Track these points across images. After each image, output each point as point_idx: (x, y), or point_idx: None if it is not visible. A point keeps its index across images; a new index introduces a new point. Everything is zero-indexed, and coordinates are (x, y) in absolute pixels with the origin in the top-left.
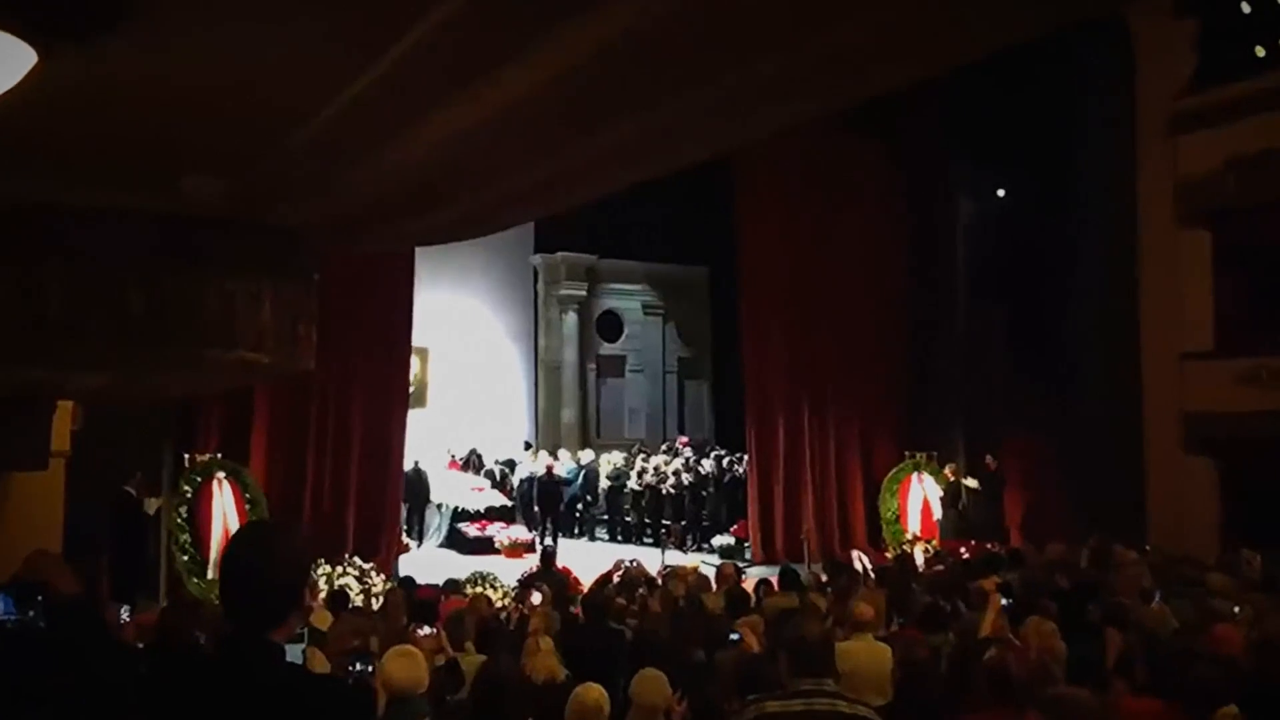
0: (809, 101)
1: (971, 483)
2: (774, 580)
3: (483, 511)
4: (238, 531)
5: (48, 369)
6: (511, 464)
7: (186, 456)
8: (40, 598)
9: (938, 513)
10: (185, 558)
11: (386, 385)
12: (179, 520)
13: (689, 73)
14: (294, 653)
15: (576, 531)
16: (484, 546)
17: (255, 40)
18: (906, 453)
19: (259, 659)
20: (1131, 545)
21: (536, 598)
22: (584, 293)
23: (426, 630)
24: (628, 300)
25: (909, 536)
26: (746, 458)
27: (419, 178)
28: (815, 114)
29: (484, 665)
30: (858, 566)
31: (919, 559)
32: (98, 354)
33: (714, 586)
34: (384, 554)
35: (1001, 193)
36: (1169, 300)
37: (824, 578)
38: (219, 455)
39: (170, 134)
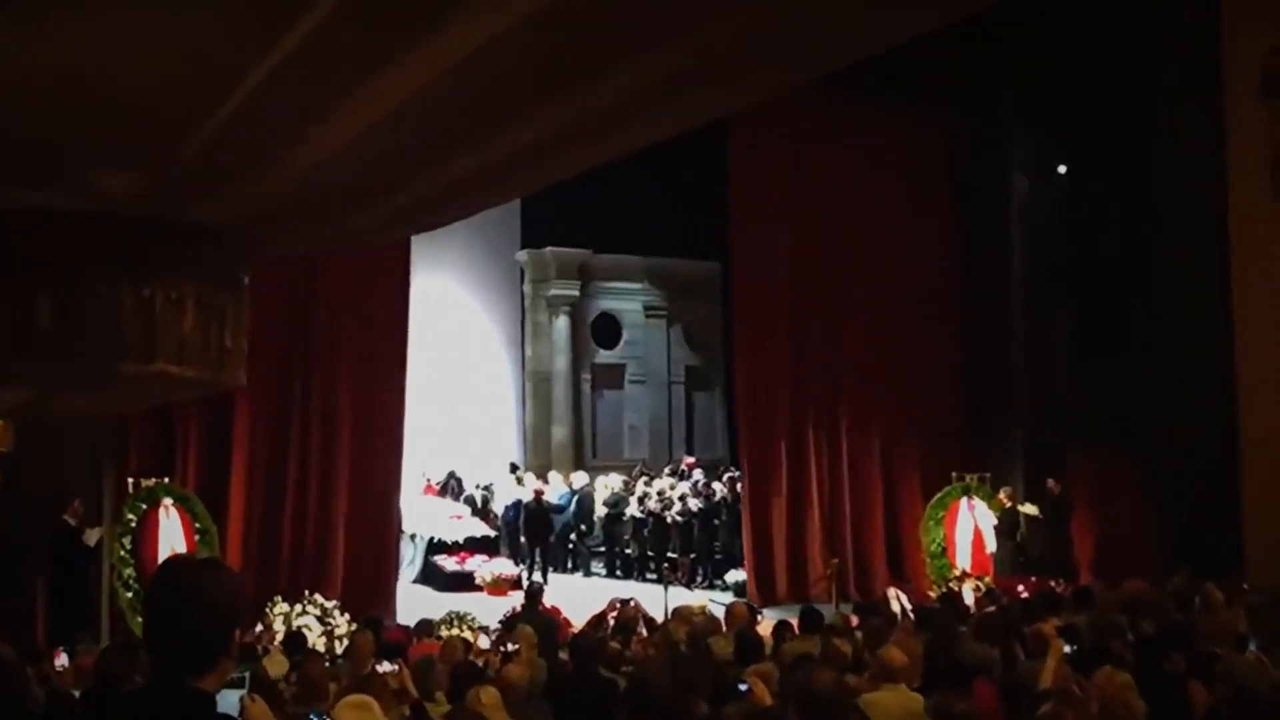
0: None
1: (1031, 509)
2: (795, 622)
3: (462, 543)
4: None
5: None
6: (494, 489)
7: (130, 482)
8: None
9: (991, 545)
10: (129, 594)
11: (380, 403)
12: (122, 552)
13: (636, 37)
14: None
15: (569, 565)
16: (463, 582)
17: (136, 23)
18: (954, 474)
19: (182, 708)
20: (1225, 584)
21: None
22: (576, 293)
23: (388, 666)
24: (627, 301)
25: (957, 572)
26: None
27: (346, 170)
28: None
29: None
30: (895, 607)
31: (968, 598)
32: (1, 369)
33: (724, 629)
34: (379, 595)
35: (1063, 169)
36: (1268, 293)
37: (854, 619)
38: (165, 480)
39: (65, 126)
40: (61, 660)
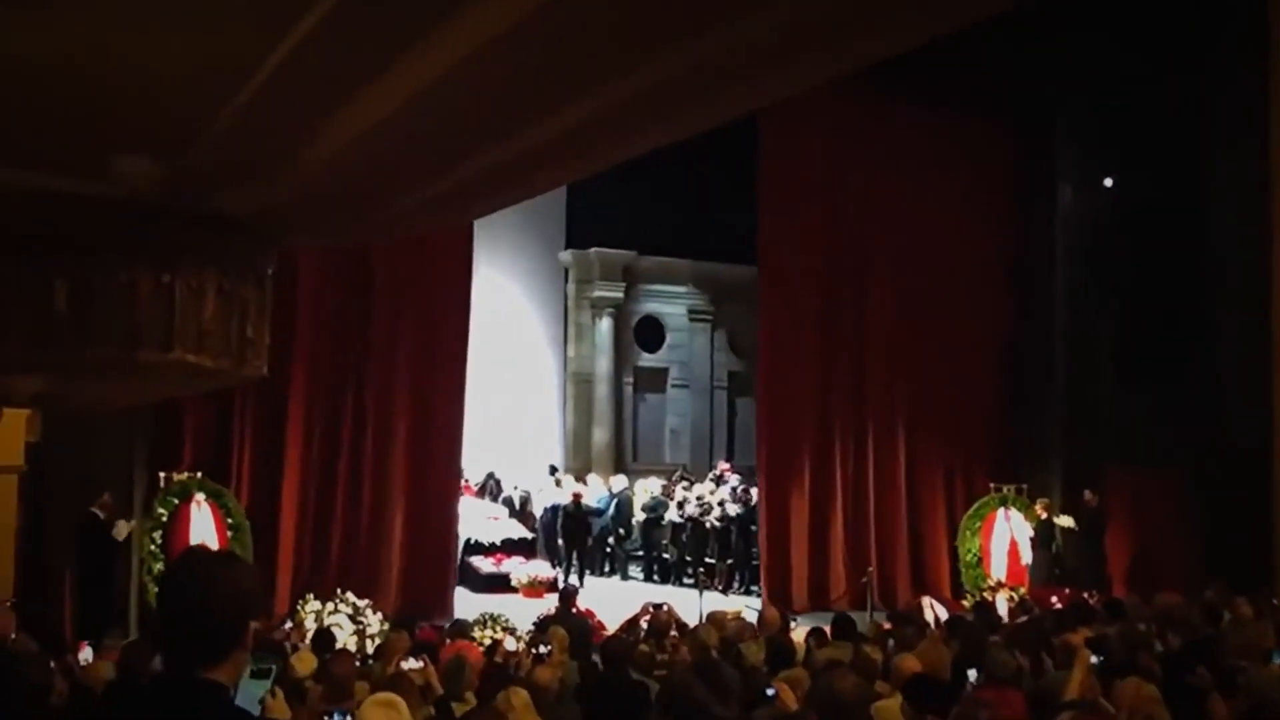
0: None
1: (1066, 521)
2: (829, 630)
3: (498, 544)
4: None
5: None
6: (532, 491)
7: (162, 476)
8: None
9: (1027, 556)
10: (158, 589)
11: (438, 404)
12: (152, 547)
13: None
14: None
15: (606, 569)
16: (499, 584)
17: (149, 6)
18: (992, 486)
19: (195, 700)
20: (1256, 598)
21: (544, 647)
22: (620, 295)
23: (414, 663)
24: (671, 304)
25: (991, 582)
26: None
27: (366, 161)
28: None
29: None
30: (929, 616)
31: (1002, 608)
32: (17, 355)
33: (757, 635)
34: (438, 605)
35: (1109, 182)
36: None
37: (887, 627)
38: (199, 474)
39: (83, 110)
40: (86, 654)
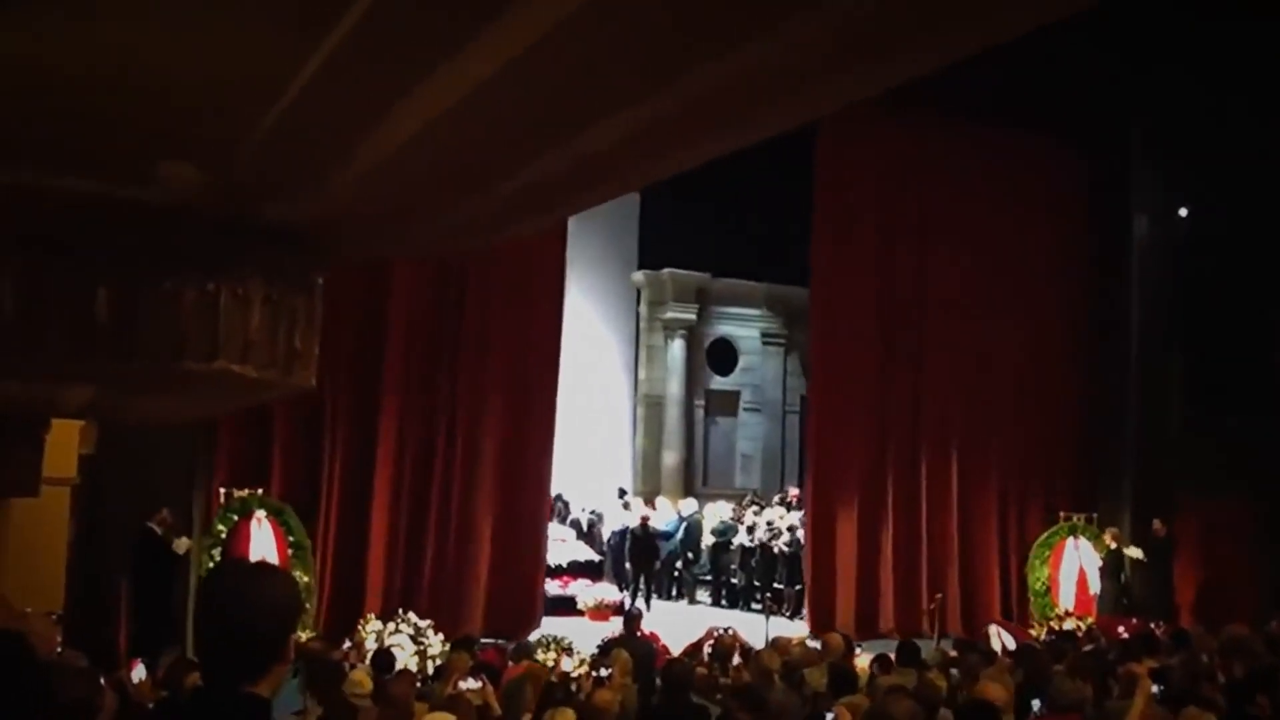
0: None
1: (1135, 552)
2: (894, 656)
3: (565, 566)
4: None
5: None
6: (602, 514)
7: (222, 492)
8: None
9: (1095, 585)
10: (196, 601)
11: (528, 425)
12: (210, 564)
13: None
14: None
15: (674, 593)
16: (565, 606)
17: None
18: (1062, 514)
19: (235, 714)
20: None
21: (605, 670)
22: (693, 317)
23: (472, 683)
24: (744, 327)
25: (1060, 611)
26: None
27: (415, 168)
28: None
29: None
30: (995, 644)
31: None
32: (57, 364)
33: (822, 660)
34: (523, 627)
35: (1184, 212)
36: None
37: (953, 654)
38: (260, 491)
39: (123, 114)
40: (139, 671)
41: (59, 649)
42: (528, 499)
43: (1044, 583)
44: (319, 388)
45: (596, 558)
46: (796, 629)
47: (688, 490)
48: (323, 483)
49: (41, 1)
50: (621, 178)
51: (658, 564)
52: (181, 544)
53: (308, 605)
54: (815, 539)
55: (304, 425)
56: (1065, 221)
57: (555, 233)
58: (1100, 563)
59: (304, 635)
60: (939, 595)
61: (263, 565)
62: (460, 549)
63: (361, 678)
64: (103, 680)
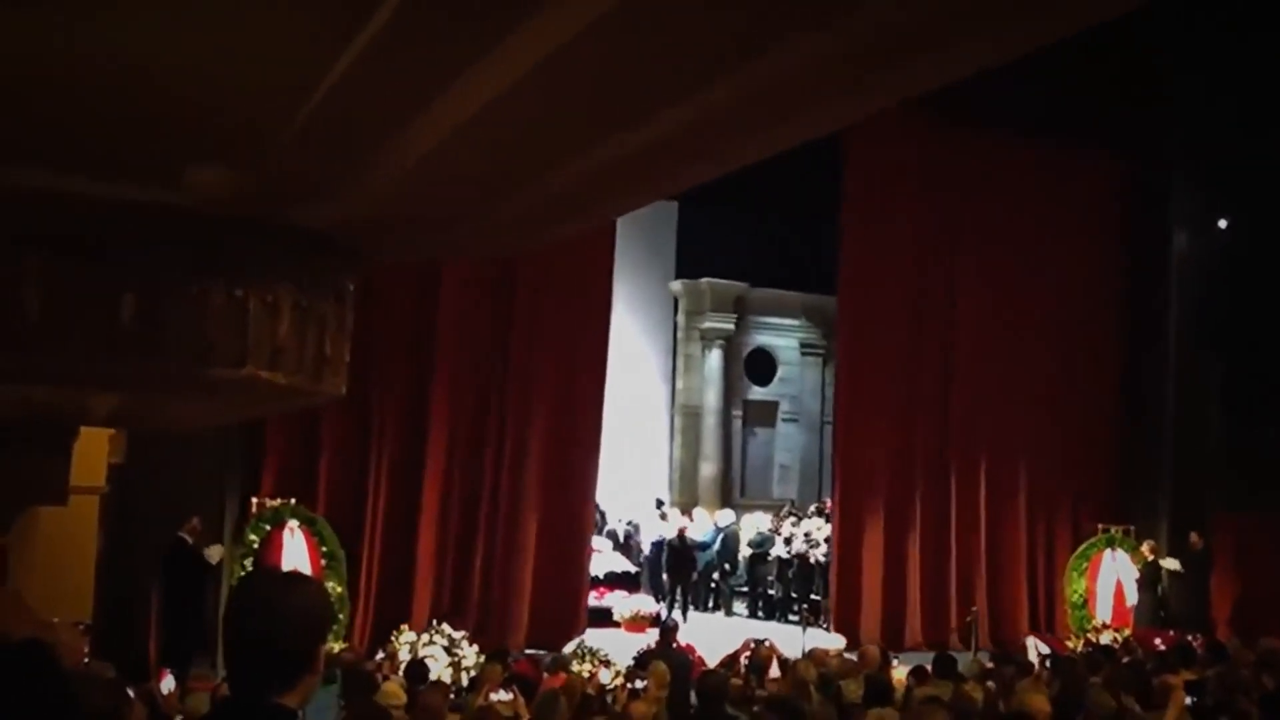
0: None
1: (1172, 564)
2: (930, 668)
3: (602, 577)
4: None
5: (21, 384)
6: (639, 525)
7: (254, 501)
8: None
9: (1132, 597)
10: (224, 611)
11: (574, 426)
12: (242, 574)
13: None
14: None
15: (711, 604)
16: (601, 617)
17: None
18: (1100, 526)
19: None
20: None
21: (640, 682)
22: (731, 326)
23: (504, 695)
24: (782, 337)
25: (1096, 623)
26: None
27: (446, 169)
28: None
29: None
30: (1032, 656)
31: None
32: (81, 369)
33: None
34: (565, 639)
35: (1223, 224)
36: None
37: (989, 666)
38: (292, 500)
39: (152, 115)
40: (168, 682)
41: (86, 659)
42: (573, 509)
43: (1081, 595)
44: (366, 399)
45: (633, 569)
46: (833, 641)
47: (725, 501)
48: (369, 493)
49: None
50: (663, 178)
51: (694, 575)
52: (214, 552)
53: (340, 616)
54: (841, 550)
55: (351, 436)
56: (1100, 231)
57: (603, 245)
58: (1137, 575)
59: (336, 646)
60: (974, 609)
61: (293, 575)
62: (507, 560)
63: (394, 689)
64: (131, 691)
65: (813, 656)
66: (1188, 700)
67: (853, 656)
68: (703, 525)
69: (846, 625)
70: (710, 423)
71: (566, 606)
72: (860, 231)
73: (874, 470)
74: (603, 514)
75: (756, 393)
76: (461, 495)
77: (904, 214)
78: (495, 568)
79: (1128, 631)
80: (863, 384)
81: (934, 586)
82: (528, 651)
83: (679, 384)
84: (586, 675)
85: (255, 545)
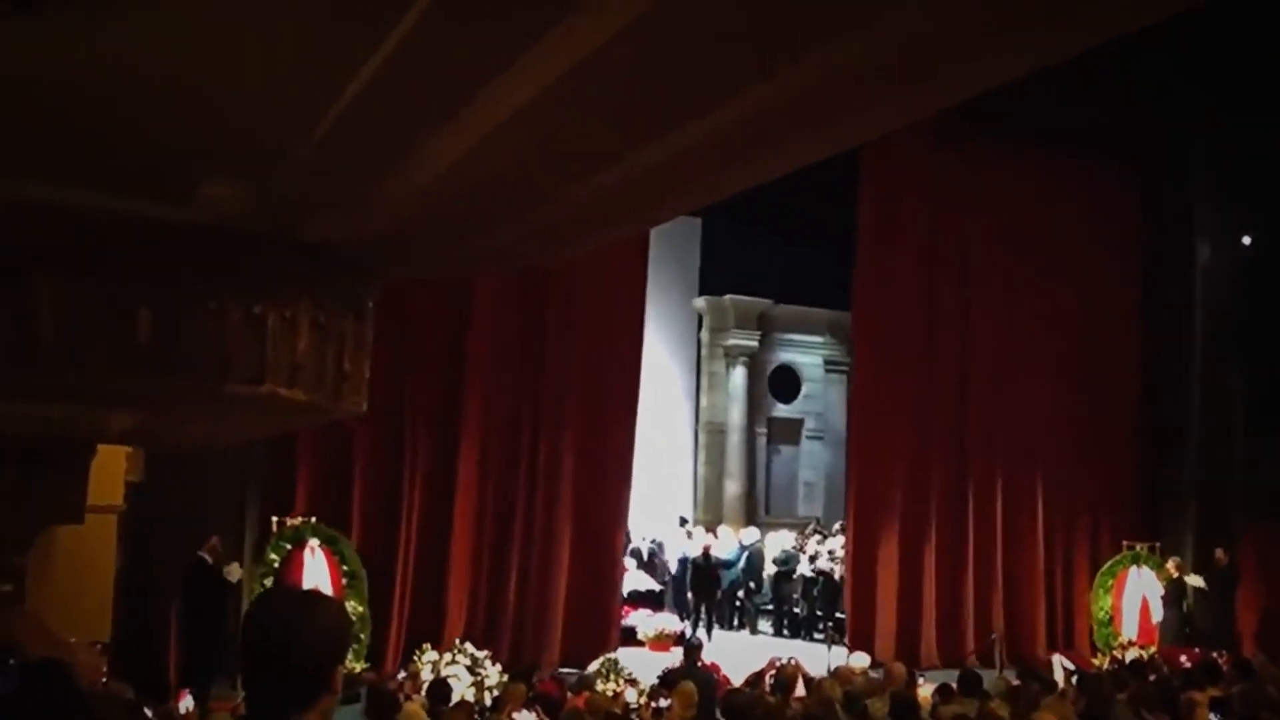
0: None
1: (1197, 580)
2: (956, 686)
3: (626, 596)
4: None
5: (36, 402)
6: (664, 543)
7: (275, 521)
8: (11, 661)
9: (1157, 614)
10: (241, 630)
11: (606, 442)
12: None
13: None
14: None
15: (736, 623)
16: (626, 636)
17: (224, 26)
18: (1125, 543)
19: None
20: None
21: (664, 701)
22: (755, 344)
23: (526, 715)
24: (807, 354)
25: (1122, 640)
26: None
27: (471, 184)
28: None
29: None
30: (1058, 673)
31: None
32: (97, 386)
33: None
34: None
35: (1248, 240)
36: None
37: (1015, 684)
38: (313, 519)
39: (168, 130)
40: (186, 702)
41: (104, 679)
42: (605, 525)
43: (1107, 612)
44: (399, 415)
45: (657, 587)
46: (858, 659)
47: (750, 519)
48: (402, 509)
49: (81, 15)
50: (690, 191)
51: (719, 593)
52: (234, 570)
53: (362, 636)
54: (855, 568)
55: (384, 452)
56: (1121, 245)
57: (635, 259)
58: (1163, 591)
59: (358, 666)
60: (997, 628)
61: (311, 594)
62: (541, 576)
63: (416, 710)
64: (150, 712)
65: (838, 675)
66: (1212, 717)
67: (878, 674)
68: (727, 543)
69: (861, 644)
70: (734, 440)
71: (599, 624)
72: (875, 246)
73: (889, 487)
74: (627, 532)
75: (781, 410)
76: (494, 511)
77: (919, 228)
78: (530, 584)
79: (1153, 649)
80: (877, 400)
81: (949, 605)
82: (564, 670)
83: (703, 401)
84: (611, 694)
85: (276, 564)
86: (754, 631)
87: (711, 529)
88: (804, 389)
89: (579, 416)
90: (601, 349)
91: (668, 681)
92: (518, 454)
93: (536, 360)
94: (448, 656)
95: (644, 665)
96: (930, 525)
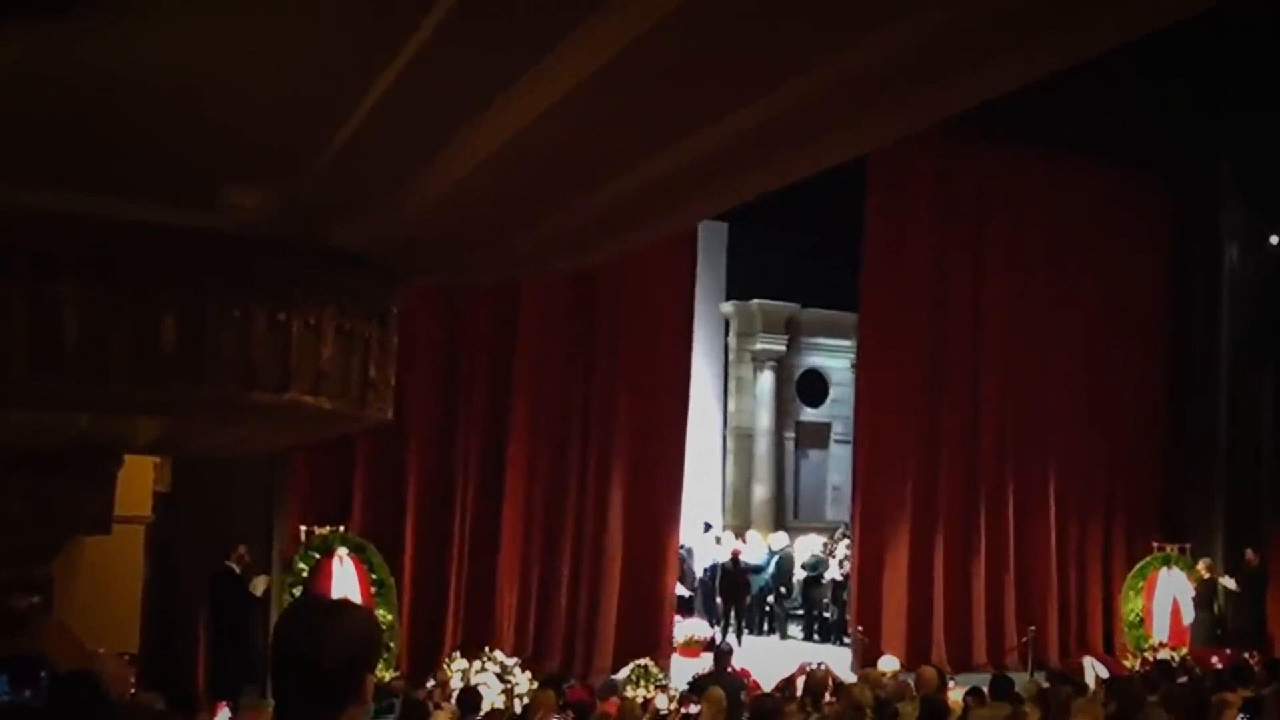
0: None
1: (1228, 582)
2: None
3: None
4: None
5: (61, 411)
6: (692, 549)
7: (304, 530)
8: (43, 674)
9: (1188, 616)
10: (270, 639)
11: (657, 462)
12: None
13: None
14: None
15: (766, 628)
16: None
17: (247, 30)
18: (1155, 545)
19: None
20: None
21: (694, 707)
22: (782, 348)
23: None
24: (834, 358)
25: (1153, 642)
26: None
27: (495, 187)
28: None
29: None
30: (1089, 676)
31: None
32: (121, 394)
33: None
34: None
35: (1275, 240)
36: None
37: (1046, 687)
38: (341, 529)
39: (191, 136)
40: (223, 715)
41: (133, 690)
42: (657, 534)
43: (1138, 614)
44: (450, 426)
45: (686, 593)
46: (888, 663)
47: (778, 524)
48: (454, 517)
49: (107, 19)
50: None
51: (748, 599)
52: (259, 584)
53: (391, 644)
54: (862, 572)
55: (433, 463)
56: (1146, 248)
57: (682, 265)
58: (1194, 593)
59: (387, 675)
60: (1032, 628)
61: (339, 603)
62: (592, 584)
63: (445, 718)
64: None
65: (868, 679)
66: (1243, 718)
67: (908, 679)
68: (756, 548)
69: (869, 647)
70: (763, 445)
71: (650, 631)
72: (886, 247)
73: (896, 490)
74: None
75: (809, 414)
76: (544, 519)
77: (935, 228)
78: (581, 592)
79: (1184, 650)
80: (883, 403)
81: (958, 609)
82: (612, 677)
83: (731, 406)
84: (641, 701)
85: (304, 574)
86: (784, 636)
87: (740, 534)
88: (832, 393)
89: (628, 422)
90: (650, 355)
91: (697, 687)
92: (567, 462)
93: (586, 368)
94: (477, 664)
95: (674, 671)
96: (937, 536)
